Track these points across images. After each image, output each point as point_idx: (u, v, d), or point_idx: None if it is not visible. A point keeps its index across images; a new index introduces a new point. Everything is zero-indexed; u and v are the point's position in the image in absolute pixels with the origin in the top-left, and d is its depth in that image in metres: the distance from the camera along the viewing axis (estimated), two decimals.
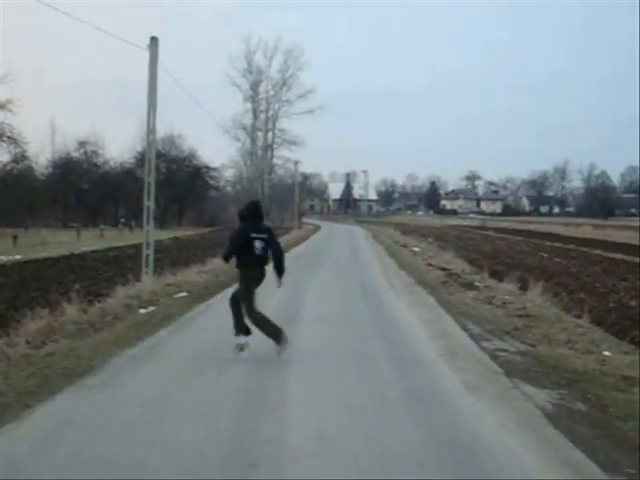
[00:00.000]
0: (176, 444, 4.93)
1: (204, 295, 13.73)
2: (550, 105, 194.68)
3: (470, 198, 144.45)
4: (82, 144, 71.29)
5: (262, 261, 7.91)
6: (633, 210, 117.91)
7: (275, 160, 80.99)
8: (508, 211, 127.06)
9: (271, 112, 79.92)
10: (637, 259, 25.87)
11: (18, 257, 25.57)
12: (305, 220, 76.98)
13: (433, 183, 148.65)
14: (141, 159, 48.12)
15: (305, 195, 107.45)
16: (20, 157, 59.50)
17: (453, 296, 14.06)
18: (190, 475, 4.41)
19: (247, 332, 7.89)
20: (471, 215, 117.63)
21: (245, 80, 78.66)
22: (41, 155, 68.03)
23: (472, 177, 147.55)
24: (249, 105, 79.55)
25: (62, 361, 7.50)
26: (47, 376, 6.82)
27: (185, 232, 52.13)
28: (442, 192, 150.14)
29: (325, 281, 16.85)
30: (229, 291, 14.32)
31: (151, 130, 15.39)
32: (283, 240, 36.05)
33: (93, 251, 29.40)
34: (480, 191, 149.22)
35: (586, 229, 56.82)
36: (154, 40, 14.89)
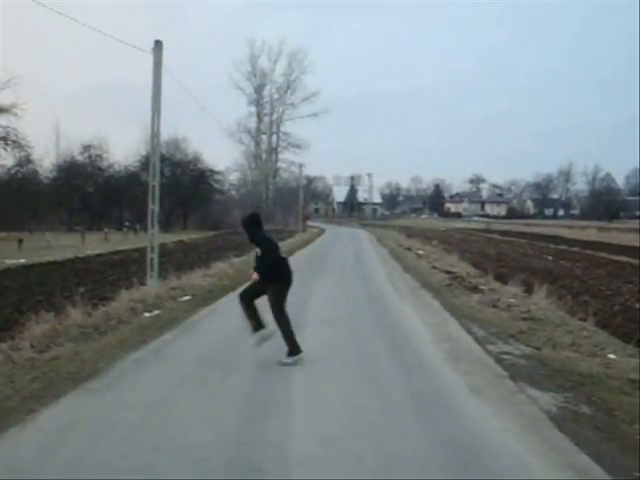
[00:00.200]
0: (180, 448, 4.93)
1: (208, 299, 13.74)
2: (553, 107, 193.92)
3: (474, 201, 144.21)
4: (86, 148, 71.41)
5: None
6: (638, 213, 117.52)
7: (279, 163, 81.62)
8: (513, 214, 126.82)
9: (275, 115, 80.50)
10: None
11: (23, 261, 25.60)
12: (309, 223, 77.01)
13: (437, 186, 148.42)
14: (145, 163, 48.14)
15: (309, 198, 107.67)
16: (25, 161, 59.54)
17: (458, 299, 14.04)
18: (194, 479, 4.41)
19: (263, 325, 7.86)
20: (475, 218, 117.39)
21: (249, 83, 79.38)
22: (45, 159, 68.22)
23: (476, 180, 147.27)
24: (253, 108, 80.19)
25: (66, 365, 7.51)
26: (51, 380, 6.83)
27: (190, 235, 52.15)
28: (446, 195, 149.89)
29: (330, 284, 16.85)
30: (233, 295, 14.37)
31: (155, 134, 15.41)
32: (287, 243, 36.25)
33: (98, 255, 29.44)
34: (484, 194, 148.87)
35: (591, 232, 56.69)
36: (158, 44, 14.91)
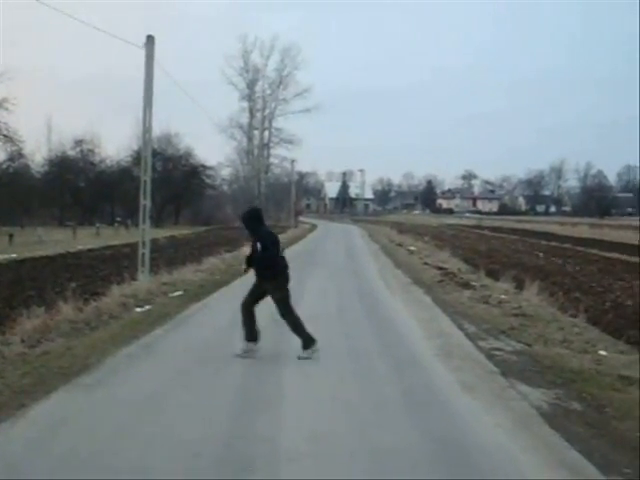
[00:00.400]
0: (172, 443, 4.92)
1: (200, 294, 13.72)
2: (547, 105, 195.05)
3: (466, 197, 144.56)
4: (78, 142, 70.95)
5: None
6: (629, 209, 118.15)
7: (272, 159, 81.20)
8: (504, 210, 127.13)
9: (267, 111, 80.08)
10: (633, 258, 25.90)
11: (14, 256, 25.43)
12: (301, 219, 76.94)
13: (429, 182, 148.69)
14: (137, 158, 47.95)
15: (301, 194, 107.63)
16: (16, 155, 59.17)
17: (449, 295, 14.06)
18: (185, 475, 4.39)
19: (257, 339, 7.90)
20: (467, 214, 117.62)
21: (242, 79, 78.85)
22: (37, 153, 67.72)
23: (468, 176, 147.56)
24: (245, 104, 79.74)
25: (57, 360, 7.48)
26: (42, 375, 6.80)
27: (181, 231, 52.03)
28: (438, 191, 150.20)
29: (321, 280, 16.82)
30: (225, 290, 14.41)
31: (147, 129, 15.34)
32: (279, 239, 35.89)
33: (89, 250, 29.28)
34: (476, 190, 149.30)
35: (582, 228, 56.80)
36: (150, 38, 14.83)
